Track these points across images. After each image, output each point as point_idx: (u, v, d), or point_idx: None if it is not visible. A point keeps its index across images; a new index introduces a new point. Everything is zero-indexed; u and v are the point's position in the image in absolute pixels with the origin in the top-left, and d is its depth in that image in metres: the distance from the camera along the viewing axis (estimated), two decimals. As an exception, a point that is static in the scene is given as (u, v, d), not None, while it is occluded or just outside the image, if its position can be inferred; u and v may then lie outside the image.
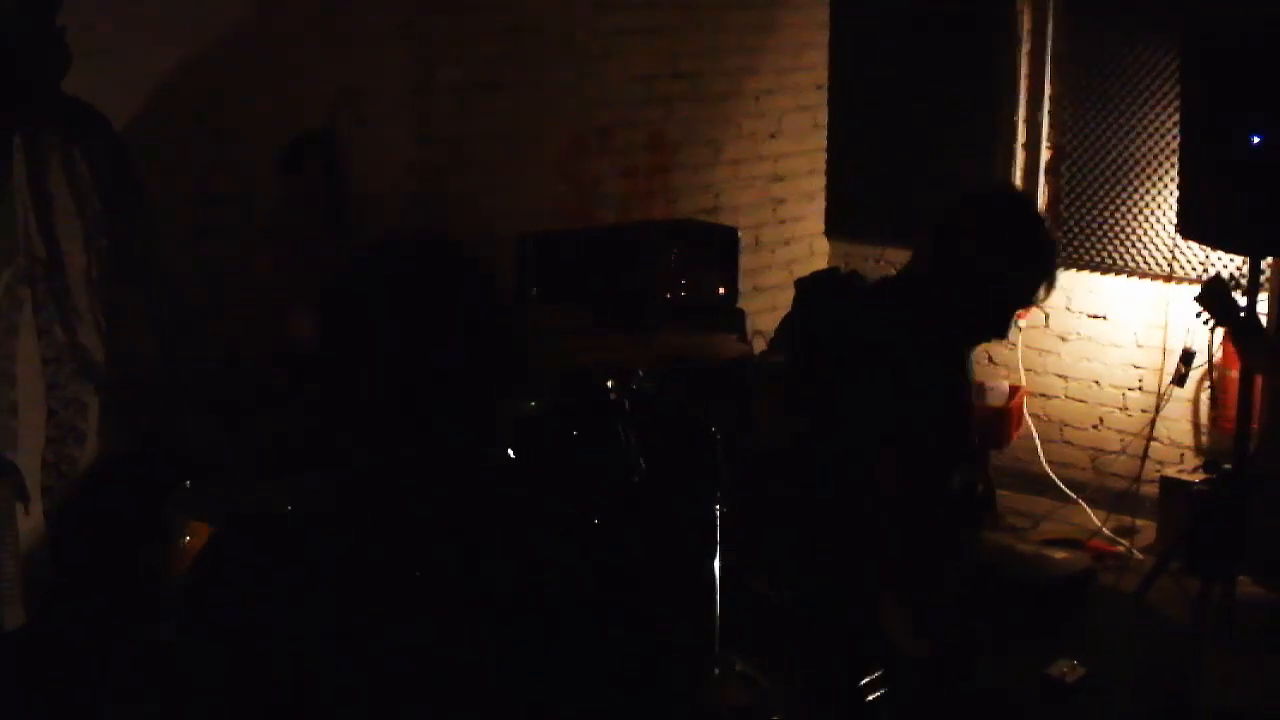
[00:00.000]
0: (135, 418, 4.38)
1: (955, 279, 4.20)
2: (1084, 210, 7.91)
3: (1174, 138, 7.30)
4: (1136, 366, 7.93)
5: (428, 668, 4.71)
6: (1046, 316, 8.10)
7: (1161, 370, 7.73)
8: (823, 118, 8.93)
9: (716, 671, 5.51)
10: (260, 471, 5.21)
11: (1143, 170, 7.70)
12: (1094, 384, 8.09)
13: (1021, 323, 7.92)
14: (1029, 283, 4.26)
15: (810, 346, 4.49)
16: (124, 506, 4.38)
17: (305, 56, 6.32)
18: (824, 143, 8.97)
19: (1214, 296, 5.96)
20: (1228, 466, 6.56)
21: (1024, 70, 8.15)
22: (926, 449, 4.30)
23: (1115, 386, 8.04)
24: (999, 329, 4.37)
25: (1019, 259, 4.24)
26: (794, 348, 4.60)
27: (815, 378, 4.42)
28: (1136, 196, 7.73)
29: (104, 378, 4.16)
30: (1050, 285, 4.28)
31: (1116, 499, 7.70)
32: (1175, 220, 6.74)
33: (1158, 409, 7.70)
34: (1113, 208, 7.81)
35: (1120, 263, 7.81)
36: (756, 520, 5.79)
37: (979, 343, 4.46)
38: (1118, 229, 7.80)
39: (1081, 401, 8.17)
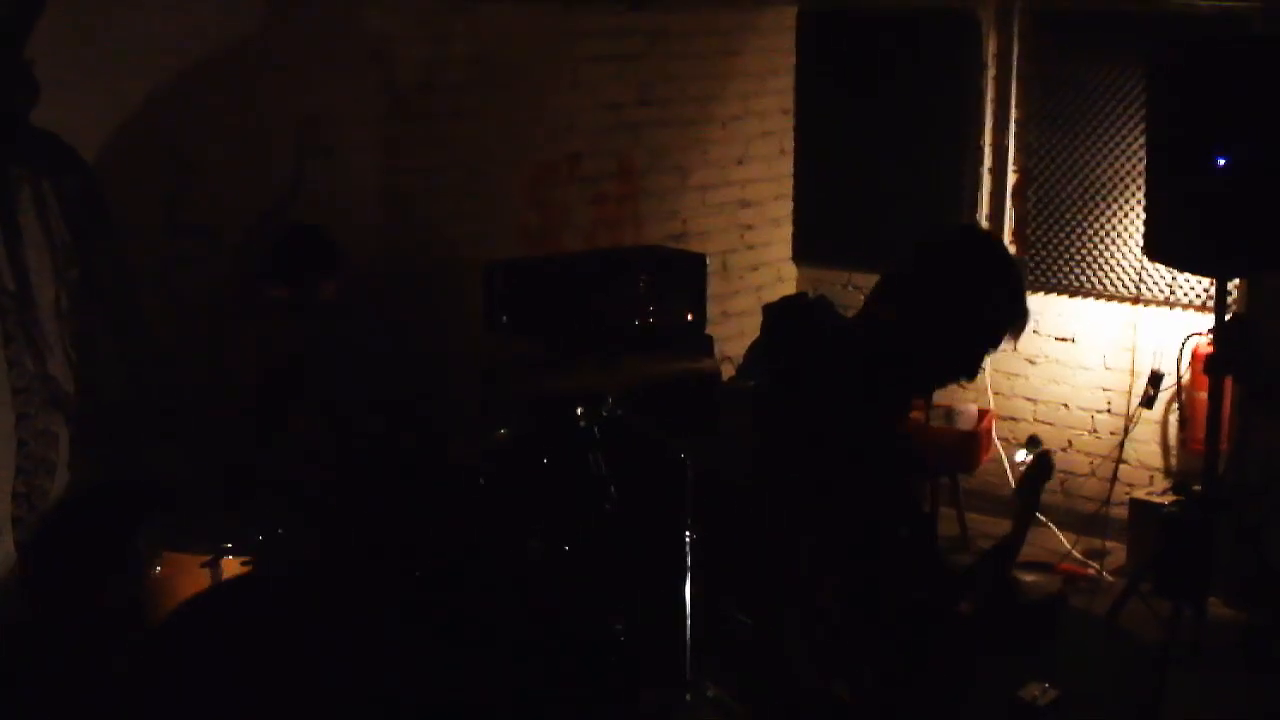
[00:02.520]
0: (105, 449, 4.37)
1: (926, 324, 4.13)
2: (1051, 233, 7.94)
3: (1140, 160, 7.34)
4: (1105, 389, 7.95)
5: (401, 695, 4.70)
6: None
7: (1130, 392, 7.76)
8: (789, 143, 8.95)
9: (688, 697, 5.51)
10: (231, 503, 5.22)
11: (1109, 193, 7.73)
12: (1062, 407, 8.11)
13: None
14: (1001, 323, 4.20)
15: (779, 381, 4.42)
16: (95, 538, 4.37)
17: (274, 85, 6.32)
18: (791, 168, 8.99)
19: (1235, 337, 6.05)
20: (1197, 488, 6.59)
21: (990, 94, 8.18)
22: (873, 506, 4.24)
23: (1084, 409, 8.06)
24: (970, 370, 4.29)
25: (995, 299, 4.19)
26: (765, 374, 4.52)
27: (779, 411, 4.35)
28: (1103, 219, 7.77)
29: (74, 409, 4.14)
30: (1019, 328, 4.20)
31: (1086, 521, 7.72)
32: (1142, 243, 6.76)
33: (1126, 431, 7.72)
34: (1079, 231, 7.84)
35: (1087, 285, 7.84)
36: (727, 546, 5.79)
37: (948, 384, 4.40)
38: (1085, 252, 7.83)
39: (1050, 424, 8.19)
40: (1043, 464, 4.18)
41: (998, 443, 8.28)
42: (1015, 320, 4.16)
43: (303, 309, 5.89)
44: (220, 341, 5.93)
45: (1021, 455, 7.48)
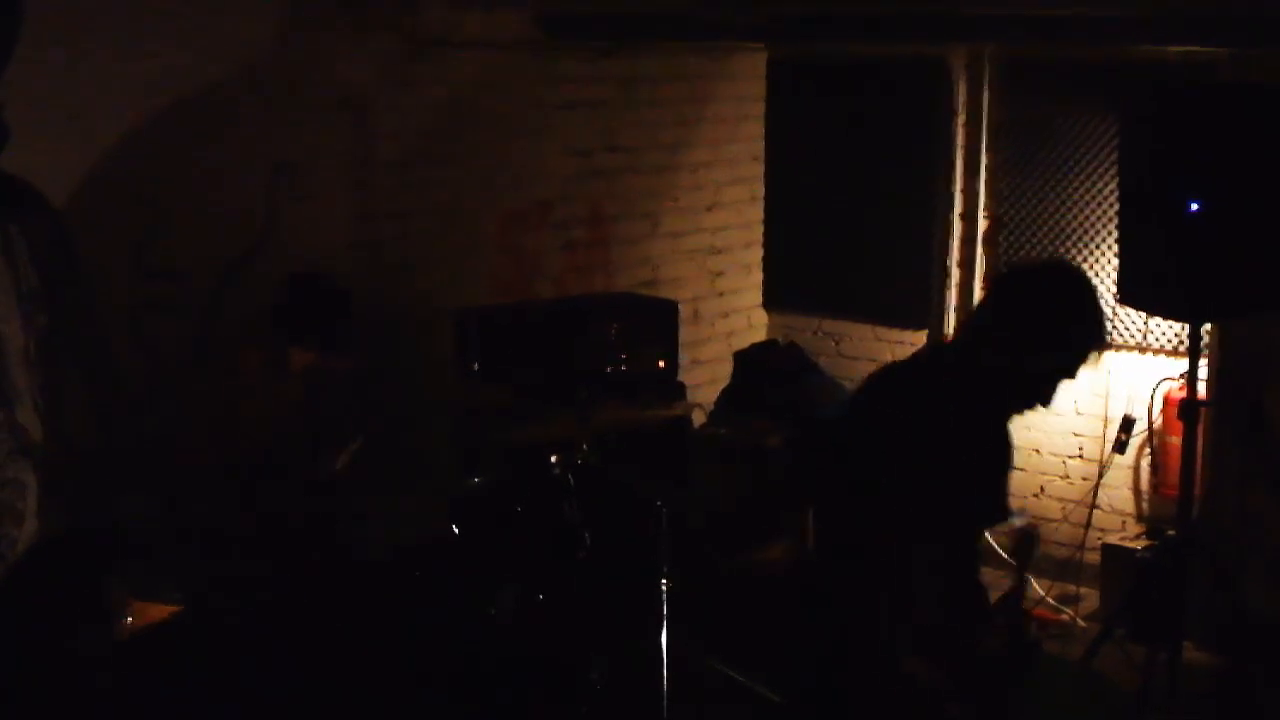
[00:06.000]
0: (74, 497, 4.32)
1: (1012, 354, 4.17)
2: (1022, 279, 7.93)
3: (1112, 206, 7.35)
4: (1077, 434, 7.94)
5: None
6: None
7: (1102, 438, 7.75)
8: (760, 190, 8.96)
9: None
10: (204, 552, 5.18)
11: (1081, 238, 7.74)
12: (1035, 452, 8.09)
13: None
14: (1082, 353, 4.25)
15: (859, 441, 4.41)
16: (63, 587, 4.33)
17: (245, 131, 6.30)
18: (761, 214, 9.00)
19: None
20: (1170, 533, 6.57)
21: (960, 140, 8.19)
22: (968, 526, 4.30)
23: (1056, 454, 8.05)
24: (1046, 399, 4.34)
25: (1080, 332, 4.24)
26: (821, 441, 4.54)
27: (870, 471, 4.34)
28: (1075, 264, 7.77)
29: (43, 457, 4.10)
30: (1100, 353, 4.27)
31: (1059, 567, 7.69)
32: (1114, 288, 6.76)
33: (1099, 476, 7.71)
34: (1052, 275, 7.84)
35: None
36: (704, 594, 5.77)
37: (1023, 412, 4.42)
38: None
39: (1022, 470, 8.17)
40: (1025, 540, 4.32)
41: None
42: (1094, 348, 4.24)
43: (320, 373, 5.84)
44: (191, 388, 5.89)
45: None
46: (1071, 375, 4.28)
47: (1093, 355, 4.26)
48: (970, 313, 4.37)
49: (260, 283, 6.12)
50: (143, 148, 6.00)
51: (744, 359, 8.42)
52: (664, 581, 5.40)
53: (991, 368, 4.21)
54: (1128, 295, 6.37)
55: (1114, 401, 7.70)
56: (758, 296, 9.09)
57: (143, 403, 5.64)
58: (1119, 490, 7.80)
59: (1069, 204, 7.76)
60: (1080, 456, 7.96)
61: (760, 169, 8.94)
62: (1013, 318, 4.23)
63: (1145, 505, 7.74)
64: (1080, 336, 4.26)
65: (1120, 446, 7.58)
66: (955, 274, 8.30)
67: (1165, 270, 6.00)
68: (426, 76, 7.04)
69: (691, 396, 7.75)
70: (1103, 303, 4.36)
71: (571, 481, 5.62)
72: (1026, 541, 4.46)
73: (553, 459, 5.67)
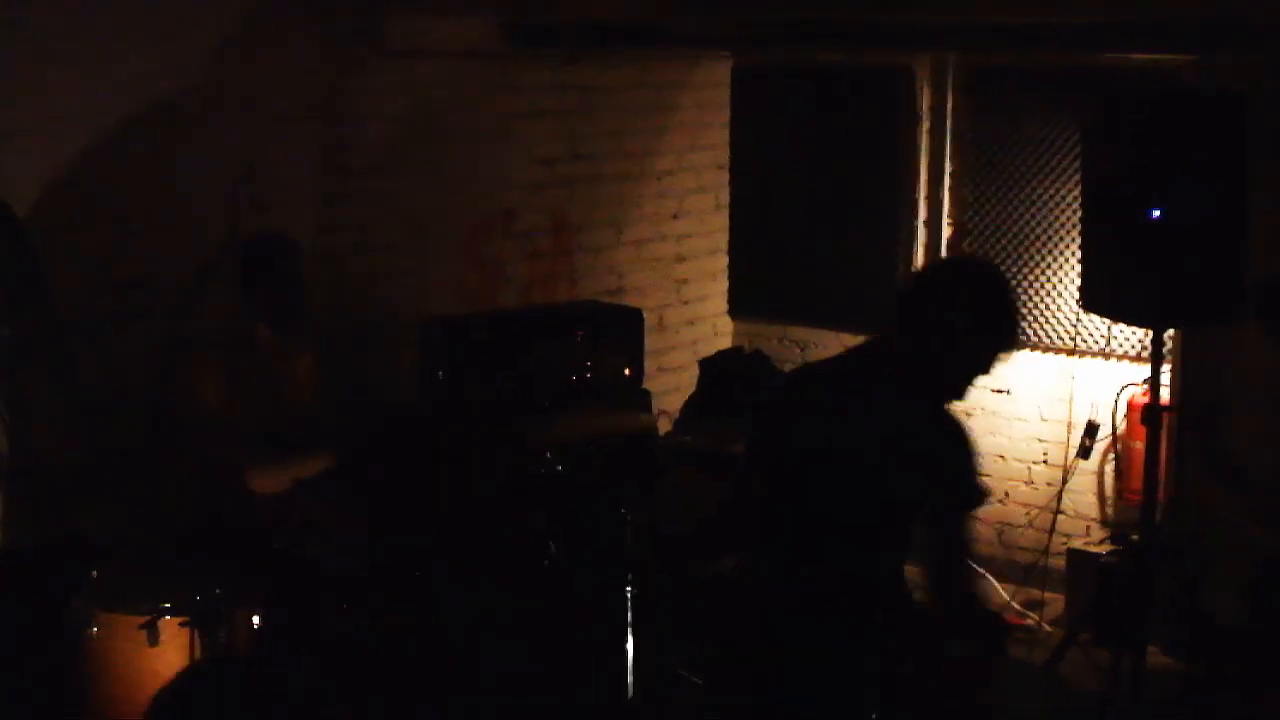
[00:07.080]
0: (39, 509, 4.32)
1: (928, 342, 4.26)
2: (986, 286, 7.94)
3: (1075, 212, 7.37)
4: (1041, 440, 7.96)
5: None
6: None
7: (1066, 443, 7.77)
8: (724, 198, 8.96)
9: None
10: (177, 558, 5.17)
11: (1045, 245, 7.76)
12: (999, 458, 8.11)
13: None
14: (993, 346, 4.34)
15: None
16: (31, 599, 4.32)
17: (209, 140, 6.28)
18: (726, 222, 9.00)
19: None
20: (1134, 537, 6.59)
21: (924, 147, 8.20)
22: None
23: (1020, 460, 8.07)
24: (958, 392, 4.42)
25: (989, 322, 4.32)
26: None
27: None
28: (1039, 271, 7.80)
29: (8, 468, 4.09)
30: (1010, 350, 4.36)
31: (1024, 572, 7.71)
32: (1078, 294, 6.79)
33: (1064, 482, 7.73)
34: (1015, 283, 7.85)
35: (1023, 337, 7.85)
36: (671, 601, 5.77)
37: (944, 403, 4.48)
38: (1021, 304, 7.84)
39: (986, 476, 8.17)
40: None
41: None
42: (1012, 337, 4.34)
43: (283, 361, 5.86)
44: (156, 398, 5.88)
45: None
46: (987, 369, 4.41)
47: (1005, 347, 4.37)
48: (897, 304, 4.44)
49: (224, 293, 6.10)
50: (109, 158, 5.98)
51: (709, 367, 8.42)
52: (629, 588, 5.41)
53: (917, 354, 4.28)
54: (1091, 301, 6.39)
55: (1078, 407, 7.73)
56: (723, 304, 9.09)
57: (108, 414, 5.64)
58: (1083, 495, 7.82)
59: (1032, 211, 7.79)
60: (1045, 462, 7.98)
61: (725, 177, 8.94)
62: (944, 301, 4.34)
63: (1109, 510, 7.76)
64: (1006, 324, 4.42)
65: (1084, 452, 7.60)
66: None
67: (1128, 276, 6.02)
68: (391, 86, 7.04)
69: (657, 404, 7.74)
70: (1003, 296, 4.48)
71: (537, 490, 5.63)
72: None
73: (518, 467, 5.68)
